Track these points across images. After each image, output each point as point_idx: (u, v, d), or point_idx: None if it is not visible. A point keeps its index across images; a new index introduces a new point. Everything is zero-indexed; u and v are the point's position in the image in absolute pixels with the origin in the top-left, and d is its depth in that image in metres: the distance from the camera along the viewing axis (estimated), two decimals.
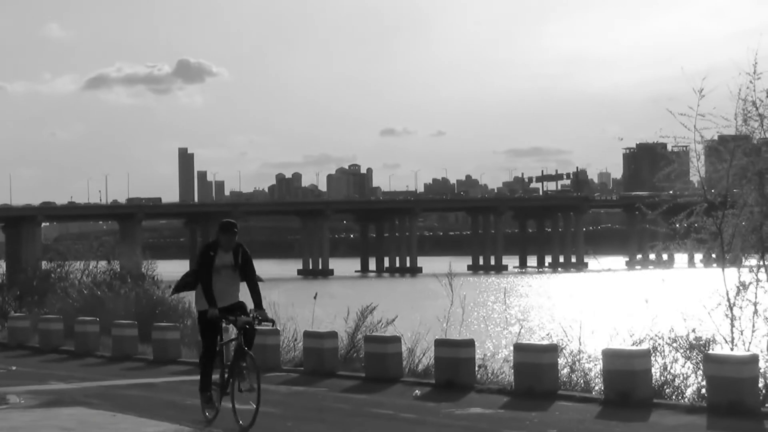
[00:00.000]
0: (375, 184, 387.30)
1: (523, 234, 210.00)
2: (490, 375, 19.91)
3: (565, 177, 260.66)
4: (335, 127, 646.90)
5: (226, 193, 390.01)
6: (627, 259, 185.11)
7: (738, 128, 19.30)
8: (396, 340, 20.59)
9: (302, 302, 27.14)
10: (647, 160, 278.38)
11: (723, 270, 18.89)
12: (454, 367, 18.59)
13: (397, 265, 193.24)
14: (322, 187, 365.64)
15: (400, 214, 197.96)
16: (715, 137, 20.10)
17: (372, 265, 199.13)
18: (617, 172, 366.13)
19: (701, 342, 17.85)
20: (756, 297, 18.52)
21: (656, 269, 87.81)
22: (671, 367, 17.72)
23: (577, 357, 18.91)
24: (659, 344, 17.94)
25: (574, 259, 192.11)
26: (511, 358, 18.15)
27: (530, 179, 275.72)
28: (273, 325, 14.88)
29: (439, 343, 19.25)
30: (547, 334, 20.53)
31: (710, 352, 16.76)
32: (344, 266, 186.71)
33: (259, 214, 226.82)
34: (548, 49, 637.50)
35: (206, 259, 14.23)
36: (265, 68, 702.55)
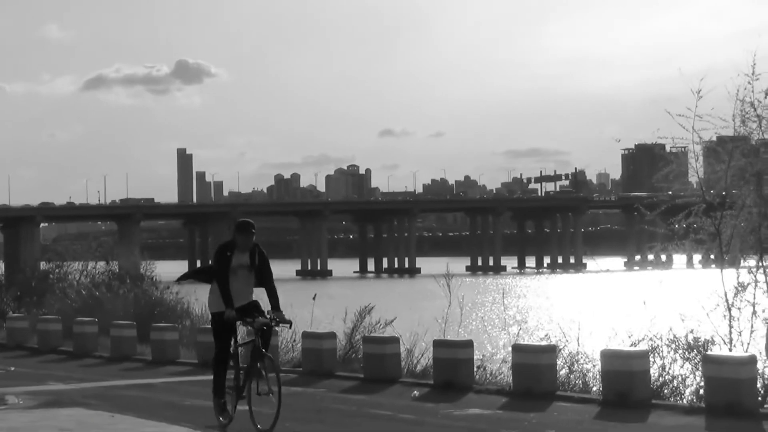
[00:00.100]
0: (374, 184, 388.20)
1: (521, 235, 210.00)
2: (488, 376, 19.91)
3: (563, 178, 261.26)
4: (334, 127, 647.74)
5: (225, 193, 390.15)
6: (625, 259, 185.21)
7: (736, 129, 19.34)
8: (394, 340, 20.56)
9: (301, 303, 27.07)
10: (646, 160, 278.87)
11: (721, 271, 18.90)
12: (453, 367, 18.56)
13: (396, 265, 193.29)
14: (321, 187, 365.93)
15: (399, 215, 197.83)
16: (714, 138, 20.13)
17: (370, 265, 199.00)
18: (616, 172, 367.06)
19: (700, 343, 17.88)
20: (754, 298, 18.56)
21: (655, 270, 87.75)
22: (670, 368, 17.74)
23: (576, 358, 18.91)
24: (658, 345, 17.96)
25: (572, 260, 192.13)
26: (510, 358, 18.15)
27: (529, 180, 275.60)
28: (291, 327, 14.45)
29: (438, 344, 19.22)
30: (546, 335, 20.49)
31: (709, 352, 16.79)
32: (343, 267, 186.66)
33: (257, 214, 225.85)
34: (548, 49, 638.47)
35: (223, 260, 13.88)
36: (264, 68, 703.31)
